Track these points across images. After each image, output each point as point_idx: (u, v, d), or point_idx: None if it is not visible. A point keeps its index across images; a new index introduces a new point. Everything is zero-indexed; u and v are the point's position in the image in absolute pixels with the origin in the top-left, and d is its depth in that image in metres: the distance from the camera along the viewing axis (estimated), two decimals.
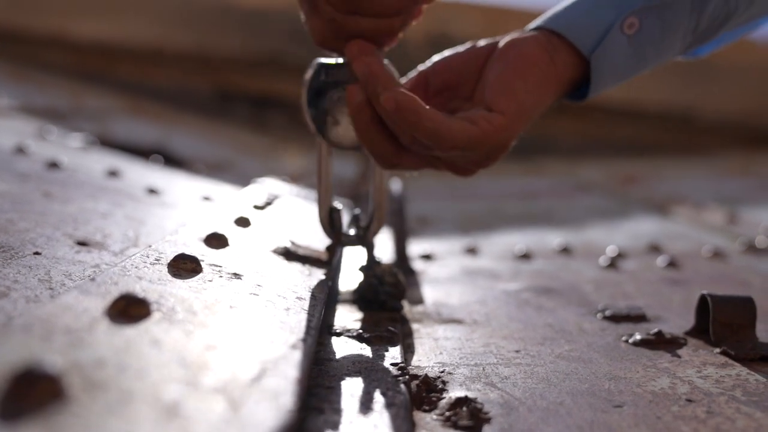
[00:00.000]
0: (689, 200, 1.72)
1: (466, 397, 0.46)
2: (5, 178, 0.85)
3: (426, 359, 0.56)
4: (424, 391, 0.48)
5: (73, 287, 0.47)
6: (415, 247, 1.07)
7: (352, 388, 0.46)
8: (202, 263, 0.53)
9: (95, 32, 3.53)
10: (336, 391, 0.45)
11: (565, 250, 1.07)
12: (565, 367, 0.54)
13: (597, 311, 0.70)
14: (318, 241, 0.72)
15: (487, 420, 0.44)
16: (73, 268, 0.56)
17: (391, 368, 0.50)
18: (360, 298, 0.68)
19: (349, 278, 0.75)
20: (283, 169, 1.88)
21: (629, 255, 1.03)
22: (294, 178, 1.38)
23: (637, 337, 0.60)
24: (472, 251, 1.08)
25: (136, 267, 0.48)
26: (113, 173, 1.08)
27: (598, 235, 1.29)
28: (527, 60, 0.55)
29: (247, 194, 0.93)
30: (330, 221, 0.68)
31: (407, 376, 0.49)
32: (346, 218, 0.72)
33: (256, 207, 0.83)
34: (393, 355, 0.53)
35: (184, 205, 1.00)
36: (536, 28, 0.58)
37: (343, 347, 0.55)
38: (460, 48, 0.59)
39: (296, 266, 0.64)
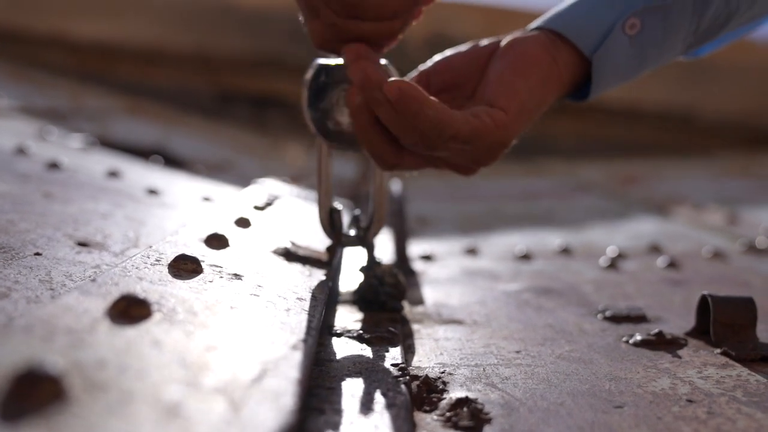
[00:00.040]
0: (689, 201, 1.72)
1: (466, 397, 0.46)
2: (6, 178, 0.85)
3: (426, 360, 0.56)
4: (424, 392, 0.48)
5: (73, 288, 0.47)
6: (415, 248, 1.07)
7: (352, 388, 0.46)
8: (202, 264, 0.53)
9: (95, 33, 3.54)
10: (336, 392, 0.45)
11: (565, 251, 1.07)
12: (566, 367, 0.54)
13: (597, 312, 0.70)
14: (318, 241, 0.72)
15: (488, 420, 0.44)
16: (74, 268, 0.56)
17: (391, 369, 0.50)
18: (360, 298, 0.68)
19: (350, 279, 0.75)
20: (283, 170, 1.88)
21: (629, 255, 1.03)
22: (294, 179, 1.38)
23: (638, 337, 0.60)
24: (472, 252, 1.08)
25: (136, 268, 0.48)
26: (113, 174, 1.08)
27: (598, 236, 1.29)
28: (529, 59, 0.55)
29: (248, 195, 0.93)
30: (330, 222, 0.68)
31: (408, 377, 0.49)
32: (346, 219, 0.72)
33: (257, 208, 0.83)
34: (393, 355, 0.53)
35: (185, 205, 1.00)
36: (538, 28, 0.58)
37: (343, 348, 0.55)
38: (462, 47, 0.59)
39: (297, 267, 0.64)
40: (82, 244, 0.64)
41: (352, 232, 0.69)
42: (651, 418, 0.44)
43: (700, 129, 3.60)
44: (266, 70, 3.58)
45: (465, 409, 0.45)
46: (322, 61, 0.59)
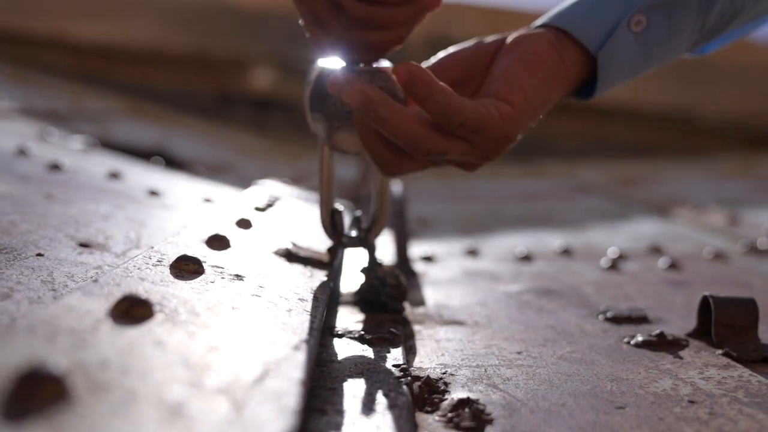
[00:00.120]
0: (690, 202, 1.72)
1: (468, 398, 0.46)
2: (7, 180, 0.85)
3: (428, 360, 0.56)
4: (426, 393, 0.48)
5: (75, 288, 0.47)
6: (415, 249, 1.07)
7: (354, 389, 0.46)
8: (204, 264, 0.53)
9: (95, 34, 3.54)
10: (338, 393, 0.45)
11: (566, 252, 1.07)
12: (567, 368, 0.54)
13: (598, 313, 0.70)
14: (319, 242, 0.72)
15: (489, 421, 0.44)
16: (76, 269, 0.57)
17: (393, 369, 0.50)
18: (361, 299, 0.68)
19: (351, 280, 0.75)
20: (283, 171, 1.88)
21: (630, 256, 1.03)
22: (295, 180, 1.38)
23: (639, 338, 0.60)
24: (472, 253, 1.08)
25: (138, 268, 0.48)
26: (114, 175, 1.08)
27: (598, 237, 1.29)
28: (536, 56, 0.55)
29: (248, 196, 0.93)
30: (331, 223, 0.68)
31: (409, 378, 0.49)
32: (347, 220, 0.72)
33: (258, 209, 0.83)
34: (395, 356, 0.53)
35: (186, 206, 1.00)
36: (543, 25, 0.58)
37: (345, 348, 0.55)
38: (467, 44, 0.59)
39: (298, 268, 0.64)
40: (84, 245, 0.64)
41: (353, 233, 0.69)
42: (653, 418, 0.44)
43: (701, 129, 3.60)
44: (266, 71, 3.58)
45: (467, 409, 0.45)
46: (325, 63, 0.58)
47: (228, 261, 0.57)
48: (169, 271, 0.50)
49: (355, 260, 0.77)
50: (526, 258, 1.02)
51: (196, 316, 0.42)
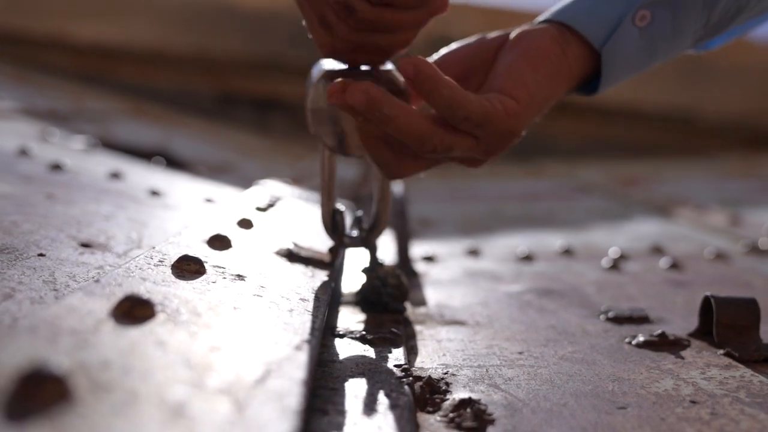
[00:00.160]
0: (691, 202, 1.72)
1: (469, 398, 0.46)
2: (9, 180, 0.85)
3: (429, 361, 0.56)
4: (427, 393, 0.48)
5: (77, 289, 0.47)
6: (417, 249, 1.07)
7: (355, 389, 0.46)
8: (205, 265, 0.53)
9: (96, 34, 3.54)
10: (340, 393, 0.45)
11: (567, 252, 1.07)
12: (569, 368, 0.54)
13: (600, 313, 0.70)
14: (321, 242, 0.72)
15: (491, 421, 0.44)
16: (78, 269, 0.57)
17: (394, 370, 0.50)
18: (363, 299, 0.68)
19: (352, 280, 0.75)
20: (284, 171, 1.88)
21: (631, 257, 1.03)
22: (296, 180, 1.38)
23: (641, 338, 0.60)
24: (473, 253, 1.08)
25: (140, 268, 0.48)
26: (115, 175, 1.08)
27: (599, 237, 1.29)
28: (539, 51, 0.55)
29: (250, 196, 0.93)
30: (332, 223, 0.68)
31: (411, 378, 0.49)
32: (348, 220, 0.72)
33: (259, 209, 0.83)
34: (396, 356, 0.53)
35: (187, 206, 1.00)
36: (546, 21, 0.58)
37: (346, 349, 0.55)
38: (469, 40, 0.59)
39: (299, 268, 0.64)
40: (86, 245, 0.64)
41: (355, 233, 0.69)
42: (654, 419, 0.44)
43: (701, 129, 3.60)
44: (267, 72, 3.58)
45: (468, 410, 0.45)
46: (326, 66, 0.58)
47: (229, 261, 0.57)
48: (170, 271, 0.50)
49: (356, 260, 0.77)
50: (527, 258, 1.02)
51: (197, 316, 0.42)
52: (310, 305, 0.53)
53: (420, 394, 0.47)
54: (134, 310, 0.39)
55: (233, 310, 0.46)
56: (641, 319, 0.67)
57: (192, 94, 3.58)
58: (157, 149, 1.84)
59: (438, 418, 0.45)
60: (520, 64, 0.54)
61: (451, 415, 0.45)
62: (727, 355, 0.56)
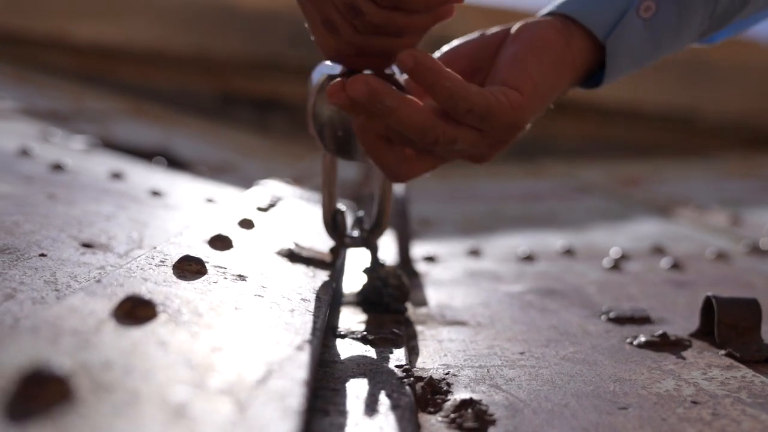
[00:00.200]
0: (692, 202, 1.72)
1: (471, 399, 0.46)
2: (10, 180, 0.86)
3: (430, 361, 0.56)
4: (429, 393, 0.48)
5: (79, 289, 0.47)
6: (418, 249, 1.07)
7: (357, 389, 0.46)
8: (206, 265, 0.53)
9: (96, 34, 3.54)
10: (341, 393, 0.45)
11: (568, 252, 1.07)
12: (570, 369, 0.53)
13: (601, 313, 0.70)
14: (322, 242, 0.72)
15: (492, 422, 0.44)
16: (79, 269, 0.57)
17: (395, 370, 0.50)
18: (364, 300, 0.68)
19: (353, 280, 0.75)
20: (285, 171, 1.88)
21: (632, 257, 1.03)
22: (297, 180, 1.38)
23: (642, 339, 0.60)
24: (474, 253, 1.08)
25: (141, 269, 0.48)
26: (116, 175, 1.08)
27: (600, 237, 1.29)
28: (543, 43, 0.54)
29: (251, 196, 0.93)
30: (333, 223, 0.68)
31: (412, 378, 0.49)
32: (349, 220, 0.72)
33: (260, 209, 0.83)
34: (397, 356, 0.53)
35: (188, 207, 1.00)
36: (550, 13, 0.57)
37: (347, 349, 0.55)
38: (471, 36, 0.59)
39: (300, 268, 0.64)
40: (87, 246, 0.64)
41: (355, 234, 0.69)
42: (655, 419, 0.44)
43: (701, 129, 3.60)
44: (267, 73, 3.58)
45: (469, 410, 0.45)
46: (328, 71, 0.57)
47: (231, 261, 0.57)
48: (171, 271, 0.50)
49: (357, 260, 0.77)
50: (528, 258, 1.02)
51: (199, 317, 0.42)
52: (311, 305, 0.53)
53: (421, 395, 0.47)
54: (136, 311, 0.39)
55: (234, 311, 0.46)
56: (642, 320, 0.67)
57: (192, 94, 3.58)
58: (157, 149, 1.84)
59: (439, 419, 0.45)
60: (524, 55, 0.53)
61: (452, 415, 0.45)
62: (729, 355, 0.56)
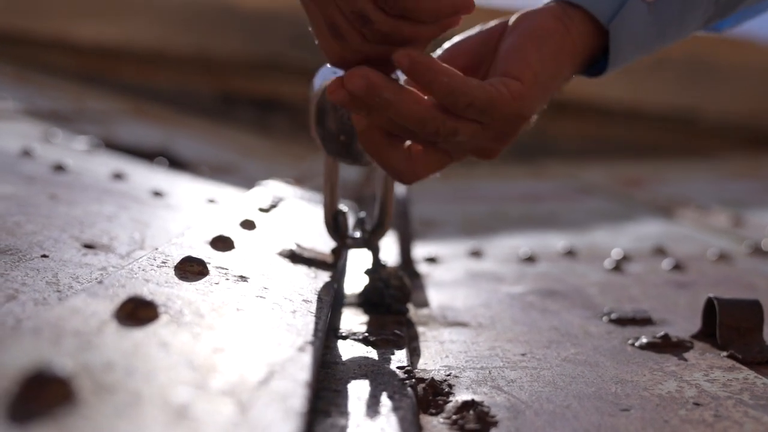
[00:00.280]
0: (693, 202, 1.72)
1: (472, 400, 0.46)
2: (12, 180, 0.86)
3: (432, 362, 0.56)
4: (430, 395, 0.48)
5: (80, 290, 0.47)
6: (419, 250, 1.07)
7: (358, 391, 0.46)
8: (208, 266, 0.53)
9: (97, 35, 3.55)
10: (343, 394, 0.45)
11: (570, 253, 1.07)
12: (572, 370, 0.53)
13: (603, 314, 0.70)
14: (323, 243, 0.72)
15: (494, 423, 0.44)
16: (81, 270, 0.57)
17: (397, 371, 0.50)
18: (365, 301, 0.68)
19: (355, 281, 0.75)
20: (286, 172, 1.88)
21: (634, 258, 1.03)
22: (298, 181, 1.38)
23: (644, 340, 0.60)
24: (476, 254, 1.07)
25: (143, 270, 0.48)
26: (118, 176, 1.08)
27: (602, 238, 1.29)
28: (541, 30, 0.53)
29: (252, 197, 0.93)
30: (335, 224, 0.68)
31: (413, 380, 0.49)
32: (351, 221, 0.72)
33: (261, 210, 0.83)
34: (399, 358, 0.53)
35: (189, 207, 1.00)
36: (550, 0, 0.57)
37: (349, 350, 0.55)
38: (471, 31, 0.58)
39: (302, 269, 0.64)
40: (89, 246, 0.64)
41: (357, 234, 0.69)
42: (658, 421, 0.44)
43: (703, 130, 3.60)
44: (269, 73, 3.59)
45: (471, 411, 0.45)
46: (331, 74, 0.56)
47: (232, 262, 0.57)
48: (173, 272, 0.50)
49: (358, 261, 0.77)
50: (530, 259, 1.02)
51: (200, 318, 0.42)
52: (313, 306, 0.53)
53: (423, 396, 0.47)
54: (137, 312, 0.39)
55: (236, 312, 0.46)
56: (644, 321, 0.67)
57: (193, 94, 3.58)
58: (158, 149, 1.84)
59: (441, 420, 0.45)
60: (523, 45, 0.53)
61: (454, 417, 0.45)
62: (731, 356, 0.56)
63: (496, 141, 0.54)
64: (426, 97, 0.50)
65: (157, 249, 0.55)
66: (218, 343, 0.39)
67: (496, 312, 0.72)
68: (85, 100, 2.75)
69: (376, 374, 0.49)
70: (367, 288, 0.68)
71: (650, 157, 3.23)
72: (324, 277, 0.63)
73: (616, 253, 1.04)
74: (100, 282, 0.43)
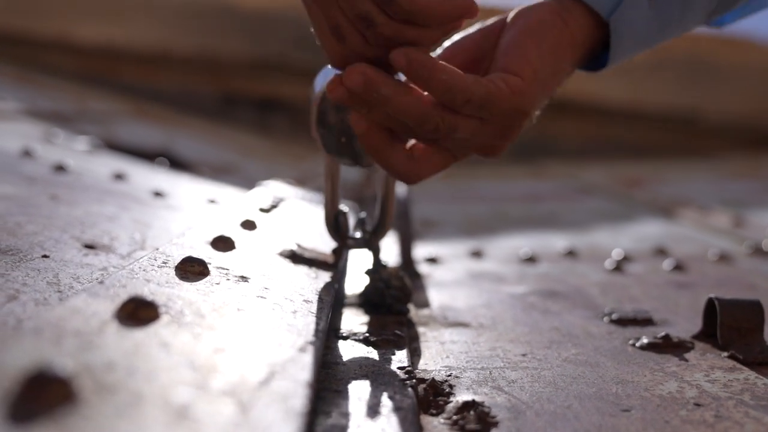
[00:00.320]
0: (694, 203, 1.72)
1: (473, 400, 0.46)
2: (13, 181, 0.86)
3: (433, 363, 0.56)
4: (431, 395, 0.48)
5: (81, 290, 0.47)
6: (420, 250, 1.07)
7: (359, 391, 0.46)
8: (209, 266, 0.53)
9: (98, 35, 3.55)
10: (343, 395, 0.45)
11: (571, 254, 1.07)
12: (572, 370, 0.53)
13: (603, 315, 0.70)
14: (324, 244, 0.72)
15: (495, 424, 0.44)
16: (81, 271, 0.57)
17: (398, 372, 0.50)
18: (366, 301, 0.68)
19: (355, 281, 0.75)
20: (287, 172, 1.88)
21: (635, 258, 1.03)
22: (299, 181, 1.38)
23: (644, 340, 0.60)
24: (477, 254, 1.07)
25: (143, 270, 0.48)
26: (119, 176, 1.08)
27: (603, 238, 1.29)
28: (539, 25, 0.53)
29: (253, 197, 0.93)
30: (336, 224, 0.68)
31: (414, 380, 0.49)
32: (351, 221, 0.72)
33: (262, 210, 0.83)
34: (400, 358, 0.53)
35: (190, 208, 1.00)
36: None
37: (349, 350, 0.55)
38: (470, 29, 0.58)
39: (303, 269, 0.64)
40: (89, 247, 0.64)
41: (358, 235, 0.69)
42: (658, 421, 0.44)
43: (703, 130, 3.60)
44: (270, 73, 3.59)
45: (472, 412, 0.45)
46: (332, 75, 0.57)
47: (233, 262, 0.57)
48: (174, 272, 0.50)
49: (359, 262, 0.77)
50: (531, 259, 1.02)
51: (201, 318, 0.43)
52: (313, 307, 0.53)
53: (423, 397, 0.47)
54: (138, 312, 0.39)
55: (237, 312, 0.46)
56: (645, 321, 0.67)
57: (193, 94, 3.58)
58: (159, 150, 1.84)
59: (441, 421, 0.45)
60: (521, 40, 0.53)
61: (454, 417, 0.45)
62: (732, 357, 0.56)
63: (498, 137, 0.53)
64: (425, 94, 0.50)
65: (157, 249, 0.55)
66: (219, 343, 0.39)
67: (496, 312, 0.72)
68: (86, 100, 2.75)
69: (377, 375, 0.49)
70: (367, 288, 0.68)
71: (650, 157, 3.23)
72: (325, 277, 0.63)
73: (616, 254, 1.04)
74: (101, 282, 0.43)
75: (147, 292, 0.44)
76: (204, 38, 3.59)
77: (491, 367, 0.54)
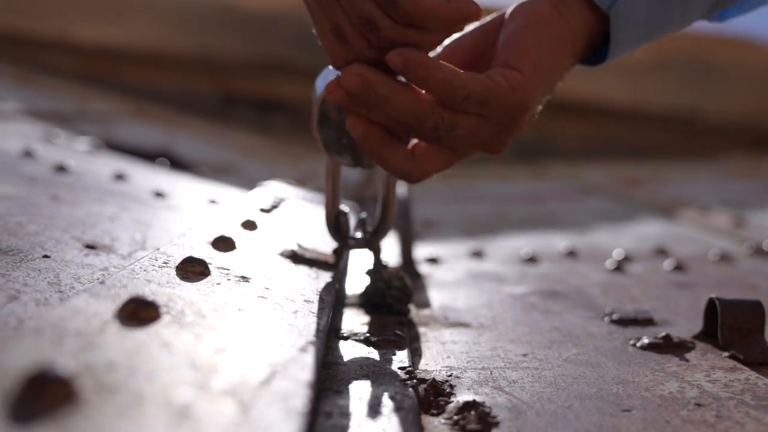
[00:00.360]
0: (695, 203, 1.72)
1: (474, 401, 0.46)
2: (14, 181, 0.86)
3: (433, 363, 0.56)
4: (432, 395, 0.48)
5: (82, 290, 0.47)
6: (420, 251, 1.07)
7: (360, 391, 0.46)
8: (209, 266, 0.53)
9: (99, 35, 3.55)
10: (344, 395, 0.45)
11: (571, 254, 1.07)
12: (573, 371, 0.53)
13: (604, 315, 0.70)
14: (325, 244, 0.72)
15: (496, 424, 0.44)
16: (82, 271, 0.57)
17: (398, 372, 0.50)
18: (367, 301, 0.68)
19: (356, 282, 0.75)
20: (287, 172, 1.88)
21: (635, 258, 1.03)
22: (299, 181, 1.38)
23: (645, 340, 0.60)
24: (477, 254, 1.07)
25: (144, 270, 0.48)
26: (120, 177, 1.08)
27: (603, 239, 1.29)
28: (537, 19, 0.53)
29: (253, 197, 0.93)
30: (336, 224, 0.68)
31: (415, 380, 0.49)
32: (352, 221, 0.72)
33: (263, 210, 0.83)
34: (400, 358, 0.53)
35: (191, 208, 1.00)
36: None
37: (350, 351, 0.55)
38: (469, 28, 0.58)
39: (303, 269, 0.64)
40: (90, 247, 0.64)
41: (358, 235, 0.69)
42: (659, 421, 0.44)
43: (704, 130, 3.60)
44: (270, 74, 3.59)
45: (472, 412, 0.45)
46: (333, 76, 0.57)
47: (234, 262, 0.57)
48: (175, 272, 0.50)
49: (360, 262, 0.77)
50: (531, 260, 1.02)
51: (202, 318, 0.43)
52: (314, 307, 0.53)
53: (424, 397, 0.47)
54: (139, 312, 0.39)
55: (238, 312, 0.46)
56: (646, 321, 0.67)
57: (193, 94, 3.59)
58: (160, 150, 1.84)
59: (442, 421, 0.45)
60: (520, 34, 0.53)
61: (455, 417, 0.45)
62: (732, 357, 0.56)
63: (499, 133, 0.53)
64: (424, 93, 0.50)
65: (158, 249, 0.55)
66: (220, 343, 0.40)
67: (497, 312, 0.72)
68: (87, 100, 2.75)
69: (378, 375, 0.49)
70: (368, 288, 0.68)
71: (651, 158, 3.23)
72: (325, 277, 0.63)
73: (617, 254, 1.04)
74: (102, 282, 0.43)
75: (148, 292, 0.44)
76: (204, 38, 3.59)
77: (492, 367, 0.54)
